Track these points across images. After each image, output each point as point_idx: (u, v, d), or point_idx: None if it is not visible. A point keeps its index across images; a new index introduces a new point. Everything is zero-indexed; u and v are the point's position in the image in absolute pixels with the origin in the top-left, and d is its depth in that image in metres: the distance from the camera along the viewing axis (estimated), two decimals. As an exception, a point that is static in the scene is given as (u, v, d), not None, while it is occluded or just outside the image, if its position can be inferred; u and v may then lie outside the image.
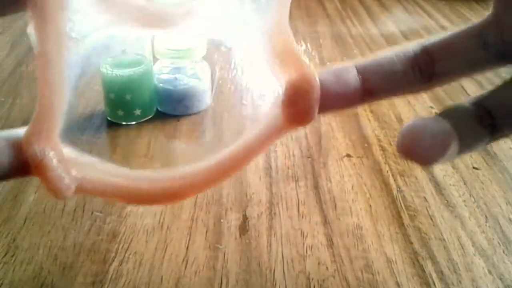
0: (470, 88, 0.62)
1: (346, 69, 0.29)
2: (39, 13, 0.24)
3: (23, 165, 0.25)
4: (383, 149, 0.53)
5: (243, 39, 0.30)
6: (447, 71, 0.29)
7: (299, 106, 0.30)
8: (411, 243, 0.41)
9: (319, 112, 0.30)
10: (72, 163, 0.26)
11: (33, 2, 0.23)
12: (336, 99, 0.30)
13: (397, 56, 0.29)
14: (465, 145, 0.27)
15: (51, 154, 0.25)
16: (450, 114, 0.27)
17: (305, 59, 0.30)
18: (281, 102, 0.31)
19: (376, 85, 0.29)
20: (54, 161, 0.25)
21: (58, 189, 0.25)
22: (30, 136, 0.24)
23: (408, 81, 0.29)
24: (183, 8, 0.30)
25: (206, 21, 0.29)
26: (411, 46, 0.29)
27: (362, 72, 0.28)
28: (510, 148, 0.54)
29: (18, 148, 0.25)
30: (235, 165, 0.30)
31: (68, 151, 0.26)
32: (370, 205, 0.44)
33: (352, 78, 0.29)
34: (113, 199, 0.29)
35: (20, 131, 0.25)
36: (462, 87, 0.64)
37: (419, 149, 0.26)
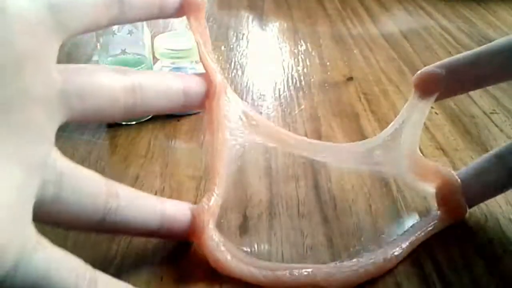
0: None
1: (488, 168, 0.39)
2: (211, 122, 0.36)
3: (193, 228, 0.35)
4: (383, 149, 0.53)
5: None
6: None
7: (450, 204, 0.39)
8: (411, 243, 0.41)
9: (468, 205, 0.39)
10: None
11: (210, 118, 0.36)
12: (479, 194, 0.40)
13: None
14: None
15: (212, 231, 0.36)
16: None
17: (443, 167, 0.40)
18: (436, 203, 0.40)
19: None
20: (215, 236, 0.36)
21: (215, 256, 0.35)
22: (197, 214, 0.36)
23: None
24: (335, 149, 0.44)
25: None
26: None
27: None
28: (510, 148, 0.54)
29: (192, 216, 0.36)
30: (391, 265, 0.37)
31: (217, 235, 0.36)
32: (370, 205, 0.44)
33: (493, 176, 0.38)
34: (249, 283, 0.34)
35: (193, 206, 0.36)
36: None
37: None
